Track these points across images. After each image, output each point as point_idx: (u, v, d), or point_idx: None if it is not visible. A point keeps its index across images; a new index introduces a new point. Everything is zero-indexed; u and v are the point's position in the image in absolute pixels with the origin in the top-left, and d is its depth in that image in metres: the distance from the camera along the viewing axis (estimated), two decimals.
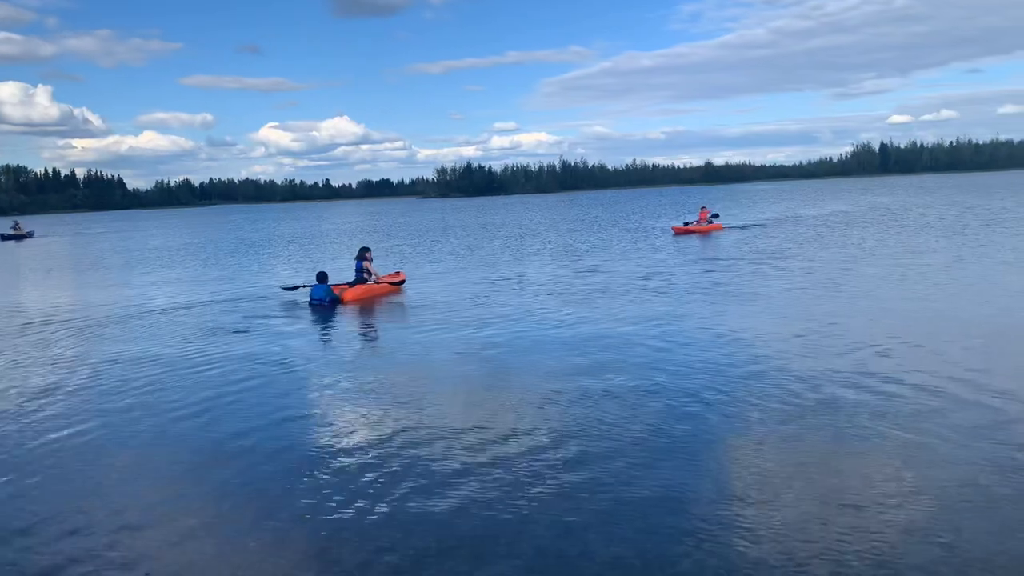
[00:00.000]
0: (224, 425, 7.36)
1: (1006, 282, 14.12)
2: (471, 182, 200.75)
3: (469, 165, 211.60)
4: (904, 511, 4.95)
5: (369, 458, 6.27)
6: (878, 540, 4.56)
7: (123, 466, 6.39)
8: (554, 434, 6.68)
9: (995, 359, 8.65)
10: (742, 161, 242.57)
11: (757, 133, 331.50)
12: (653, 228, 36.47)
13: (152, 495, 5.74)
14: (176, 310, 15.30)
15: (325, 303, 14.95)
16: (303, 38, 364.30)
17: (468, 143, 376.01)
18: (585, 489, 5.48)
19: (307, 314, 14.21)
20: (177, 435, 7.13)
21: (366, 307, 14.93)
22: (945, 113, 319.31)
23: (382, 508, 5.28)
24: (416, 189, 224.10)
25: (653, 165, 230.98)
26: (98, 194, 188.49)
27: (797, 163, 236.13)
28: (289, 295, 15.92)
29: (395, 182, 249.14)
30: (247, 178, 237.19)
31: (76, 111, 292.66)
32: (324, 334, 12.60)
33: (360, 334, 12.84)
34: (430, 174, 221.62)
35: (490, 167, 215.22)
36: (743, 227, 32.89)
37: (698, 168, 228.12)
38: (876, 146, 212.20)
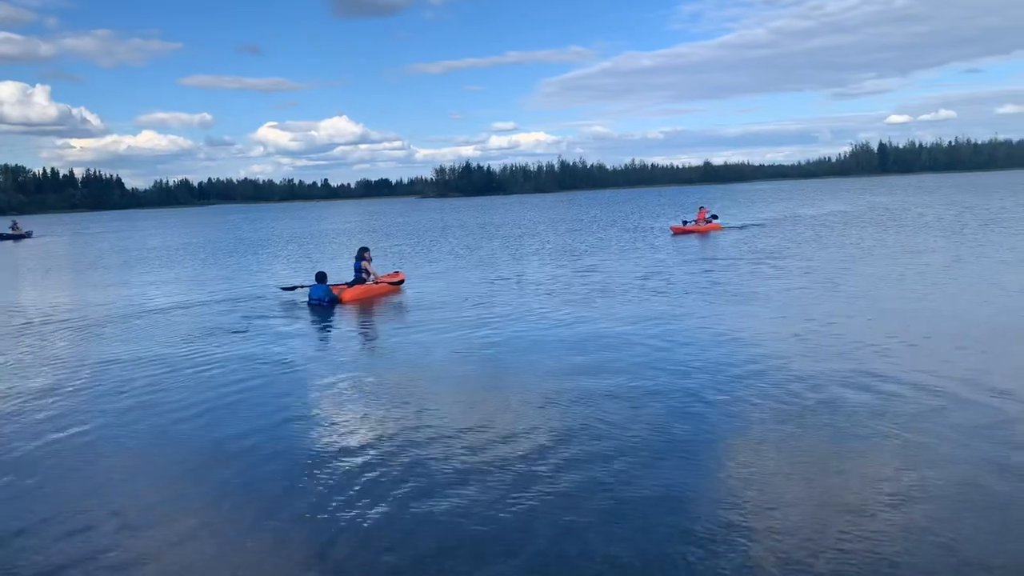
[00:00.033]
0: (223, 425, 7.35)
1: (1005, 282, 14.12)
2: (470, 182, 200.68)
3: (468, 165, 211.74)
4: (903, 511, 4.95)
5: (369, 458, 6.27)
6: (878, 540, 4.57)
7: (122, 466, 6.38)
8: (553, 434, 6.68)
9: (994, 359, 8.66)
10: (741, 161, 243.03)
11: (756, 133, 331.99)
12: (652, 228, 36.48)
13: (152, 495, 5.73)
14: (175, 310, 15.30)
15: (324, 303, 14.94)
16: (303, 38, 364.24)
17: (467, 143, 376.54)
18: (585, 489, 5.48)
19: (306, 314, 14.20)
20: (177, 435, 7.13)
21: (365, 307, 14.93)
22: (944, 113, 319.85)
23: (382, 508, 5.28)
24: (415, 189, 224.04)
25: (652, 165, 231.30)
26: (96, 194, 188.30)
27: (796, 163, 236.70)
28: (288, 295, 15.91)
29: (394, 182, 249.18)
30: (246, 178, 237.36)
31: (75, 111, 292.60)
32: (323, 334, 12.60)
33: (359, 334, 12.84)
34: (429, 174, 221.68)
35: (489, 167, 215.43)
36: (742, 227, 32.91)
37: (697, 168, 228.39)
38: (875, 146, 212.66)
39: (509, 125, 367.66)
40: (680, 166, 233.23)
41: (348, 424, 7.32)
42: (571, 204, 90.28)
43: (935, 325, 10.67)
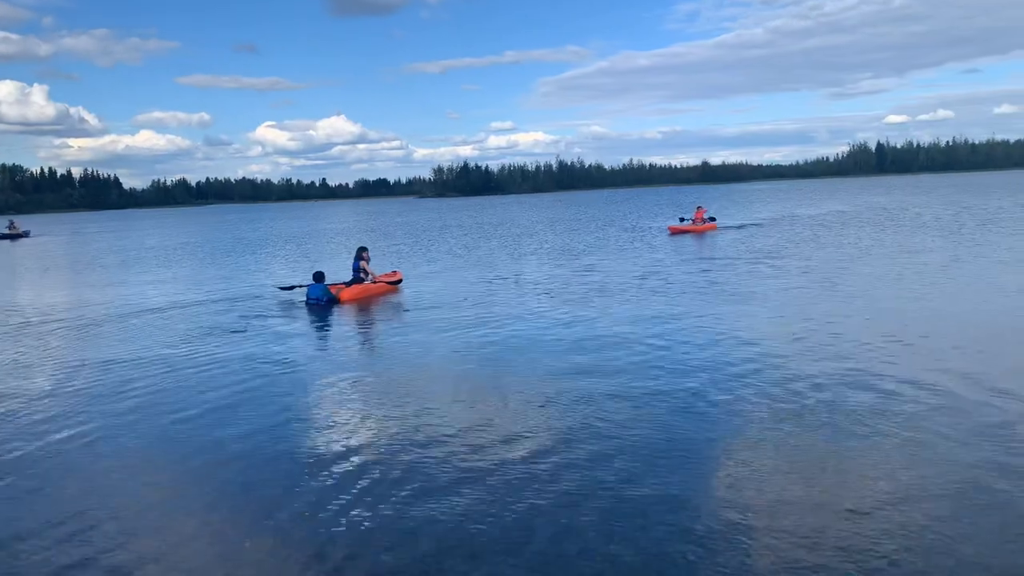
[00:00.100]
0: (223, 426, 7.34)
1: (1003, 282, 14.14)
2: (468, 182, 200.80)
3: (466, 165, 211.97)
4: (902, 510, 4.95)
5: (368, 458, 6.27)
6: (877, 539, 4.57)
7: (122, 467, 6.37)
8: (552, 433, 6.68)
9: (992, 358, 8.66)
10: (739, 161, 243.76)
11: (754, 133, 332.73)
12: (650, 228, 36.49)
13: (151, 496, 5.73)
14: (172, 309, 15.27)
15: (322, 303, 14.93)
16: (300, 37, 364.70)
17: (465, 142, 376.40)
18: (585, 488, 5.48)
19: (304, 314, 14.19)
20: (176, 436, 7.12)
21: (363, 307, 14.92)
22: (942, 113, 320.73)
23: (381, 507, 5.28)
24: (413, 189, 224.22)
25: (650, 165, 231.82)
26: (94, 193, 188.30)
27: (794, 163, 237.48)
28: (286, 295, 15.90)
29: (392, 182, 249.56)
30: (244, 177, 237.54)
31: (72, 110, 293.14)
32: (321, 334, 12.59)
33: (357, 334, 12.82)
34: (427, 174, 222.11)
35: (487, 167, 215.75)
36: (740, 227, 32.95)
37: (695, 168, 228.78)
38: (873, 146, 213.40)
39: (507, 125, 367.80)
40: (678, 166, 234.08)
41: (347, 424, 7.31)
42: (569, 204, 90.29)
43: (933, 325, 10.68)
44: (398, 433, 6.88)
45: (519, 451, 6.28)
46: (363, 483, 5.73)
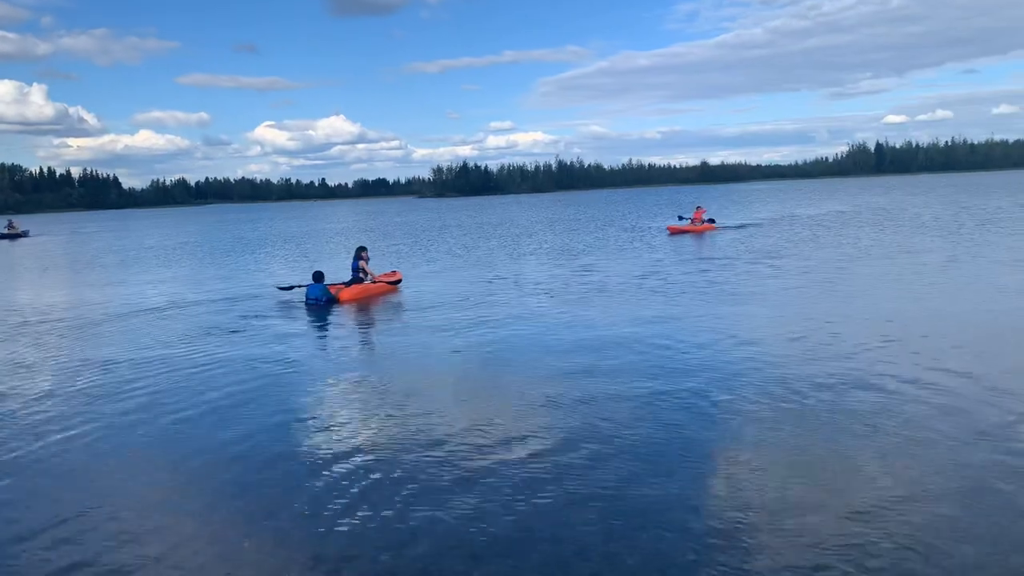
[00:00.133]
0: (223, 426, 7.33)
1: (1002, 282, 14.15)
2: (467, 181, 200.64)
3: (465, 164, 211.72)
4: (902, 510, 4.95)
5: (368, 458, 6.26)
6: (877, 539, 4.57)
7: (122, 468, 6.36)
8: (552, 433, 6.68)
9: (991, 358, 8.67)
10: (738, 161, 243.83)
11: (753, 133, 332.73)
12: (649, 228, 36.50)
13: (151, 496, 5.72)
14: (172, 309, 15.27)
15: (321, 303, 14.92)
16: (300, 37, 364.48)
17: (464, 142, 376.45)
18: (585, 489, 5.47)
19: (303, 314, 14.19)
20: (176, 436, 7.11)
21: (362, 307, 14.91)
22: (941, 113, 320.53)
23: (381, 508, 5.27)
24: (412, 188, 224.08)
25: (649, 165, 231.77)
26: (93, 193, 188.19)
27: (793, 163, 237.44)
28: (285, 295, 15.89)
29: (391, 181, 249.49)
30: (243, 177, 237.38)
31: (71, 110, 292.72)
32: (321, 334, 12.59)
33: (357, 334, 12.82)
34: (426, 173, 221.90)
35: (486, 166, 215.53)
36: (739, 226, 32.96)
37: (694, 168, 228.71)
38: (872, 146, 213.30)
39: (506, 125, 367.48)
40: (677, 166, 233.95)
41: (347, 424, 7.31)
42: (568, 204, 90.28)
43: (933, 325, 10.68)
44: (398, 433, 6.87)
45: (519, 451, 6.28)
46: (363, 483, 5.73)
